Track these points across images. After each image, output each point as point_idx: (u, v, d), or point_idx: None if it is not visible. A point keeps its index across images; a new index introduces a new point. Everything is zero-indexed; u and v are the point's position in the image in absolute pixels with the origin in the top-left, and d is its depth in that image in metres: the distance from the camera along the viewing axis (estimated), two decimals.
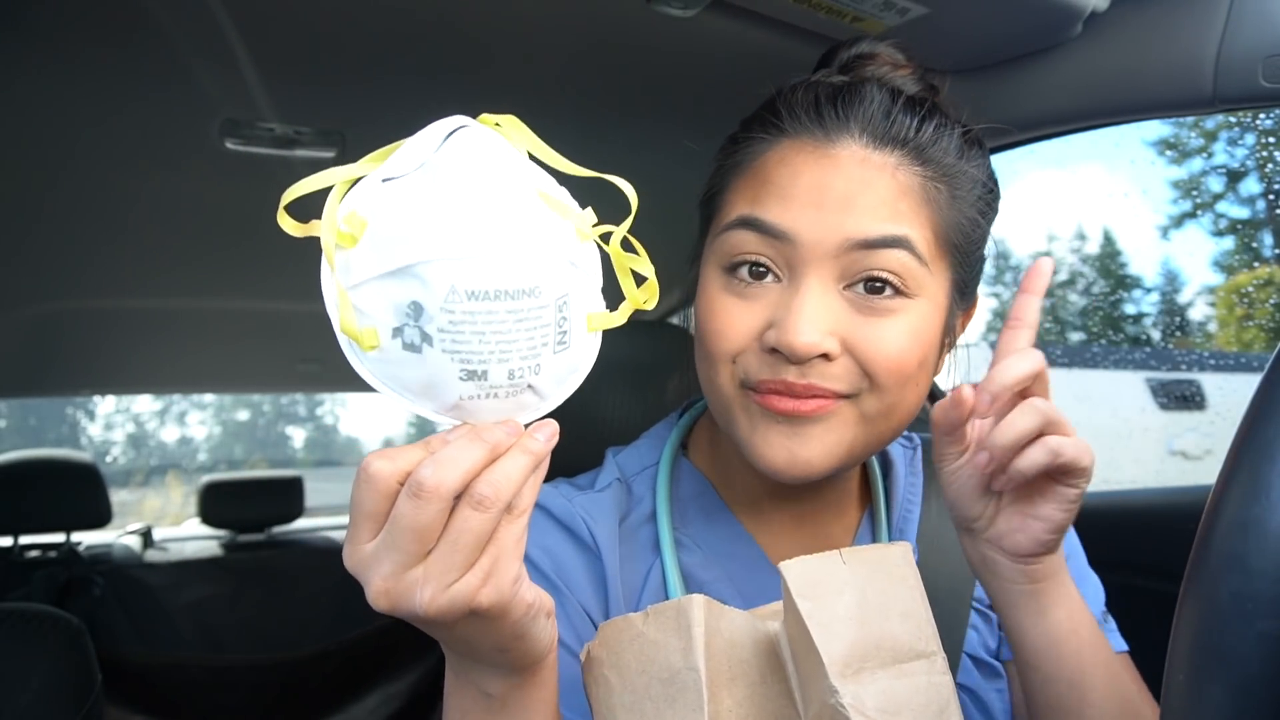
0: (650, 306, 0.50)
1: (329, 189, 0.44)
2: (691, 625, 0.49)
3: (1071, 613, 0.59)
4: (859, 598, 0.48)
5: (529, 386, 0.45)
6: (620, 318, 0.47)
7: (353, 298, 0.43)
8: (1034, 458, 0.53)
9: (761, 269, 0.60)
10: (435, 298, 0.42)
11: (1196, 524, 0.38)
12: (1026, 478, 0.54)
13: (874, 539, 0.74)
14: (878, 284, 0.59)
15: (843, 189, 0.58)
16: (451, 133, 0.45)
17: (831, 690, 0.45)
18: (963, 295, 0.66)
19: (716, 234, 0.64)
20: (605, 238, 0.49)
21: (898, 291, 0.59)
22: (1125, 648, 0.74)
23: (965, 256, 0.64)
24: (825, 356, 0.58)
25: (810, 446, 0.60)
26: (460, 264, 0.41)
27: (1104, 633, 0.66)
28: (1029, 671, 0.60)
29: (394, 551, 0.42)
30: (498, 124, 0.46)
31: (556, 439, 0.46)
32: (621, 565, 0.68)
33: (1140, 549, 1.15)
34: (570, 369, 0.47)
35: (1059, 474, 0.55)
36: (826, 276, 0.59)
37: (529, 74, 1.05)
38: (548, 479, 0.50)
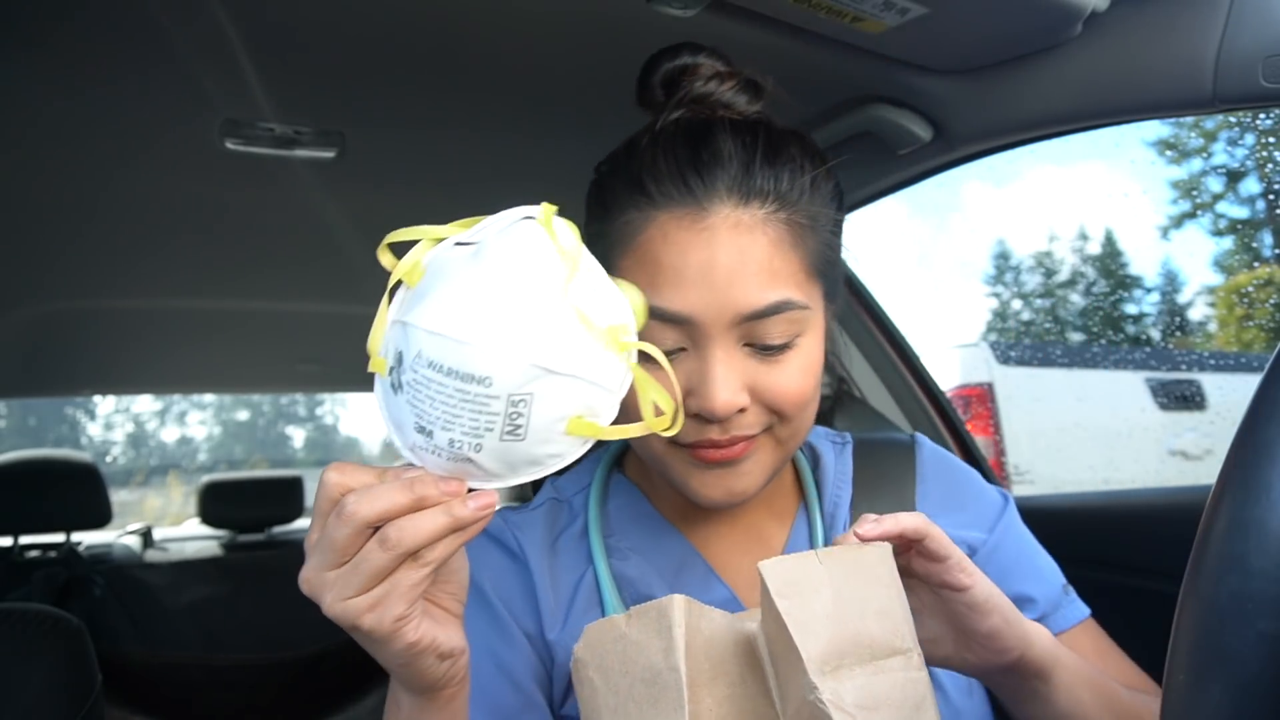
0: (671, 433, 0.53)
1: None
2: (672, 625, 0.49)
3: (1056, 668, 0.63)
4: (836, 596, 0.49)
5: (469, 459, 0.49)
6: (611, 433, 0.51)
7: (387, 329, 0.51)
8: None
9: (668, 351, 0.65)
10: (409, 356, 0.48)
11: (1196, 524, 0.38)
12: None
13: (809, 532, 0.77)
14: (769, 350, 0.65)
15: (725, 263, 0.63)
16: (519, 220, 0.51)
17: (811, 687, 0.45)
18: (833, 301, 0.73)
19: None
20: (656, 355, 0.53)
21: (790, 340, 0.66)
22: (1087, 613, 0.79)
23: (830, 269, 0.70)
24: (740, 410, 0.65)
25: (743, 480, 0.68)
26: (429, 335, 0.47)
27: (1066, 604, 0.76)
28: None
29: (319, 553, 0.49)
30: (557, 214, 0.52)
31: (489, 511, 0.49)
32: (555, 575, 0.74)
33: (1140, 549, 1.15)
34: (526, 459, 0.50)
35: (927, 577, 0.58)
36: (728, 343, 0.64)
37: (529, 74, 1.05)
38: None
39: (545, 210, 0.51)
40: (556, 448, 0.50)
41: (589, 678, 0.53)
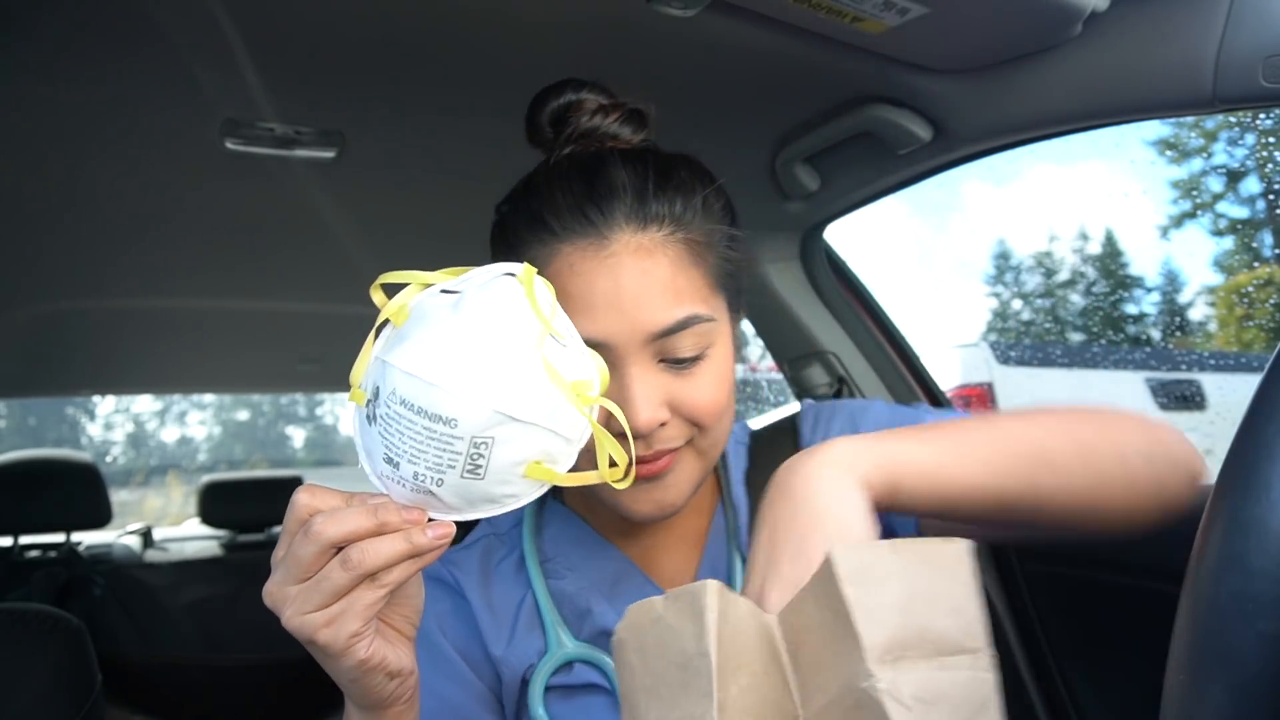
0: (624, 485, 0.57)
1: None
2: (705, 611, 0.49)
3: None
4: (907, 588, 0.48)
5: (430, 492, 0.53)
6: (567, 479, 0.55)
7: (370, 365, 0.55)
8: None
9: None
10: (385, 391, 0.52)
11: (1196, 524, 0.38)
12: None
13: (725, 523, 0.81)
14: (682, 363, 0.69)
15: (631, 287, 0.66)
16: (500, 276, 0.56)
17: (867, 674, 0.45)
18: (736, 311, 0.76)
19: None
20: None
21: (701, 353, 0.69)
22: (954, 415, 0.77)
23: (732, 281, 0.74)
24: (662, 424, 0.68)
25: (670, 492, 0.71)
26: (404, 375, 0.51)
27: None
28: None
29: (283, 568, 0.53)
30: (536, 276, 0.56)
31: (446, 541, 0.53)
32: (492, 602, 0.79)
33: (1140, 549, 1.15)
34: (484, 497, 0.54)
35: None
36: (642, 361, 0.67)
37: (527, 73, 1.05)
38: None
39: (526, 270, 0.56)
40: (514, 489, 0.54)
41: (628, 659, 0.53)
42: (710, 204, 0.72)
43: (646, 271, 0.67)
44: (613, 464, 0.56)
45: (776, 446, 0.83)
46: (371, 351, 0.55)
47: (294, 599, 0.53)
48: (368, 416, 0.54)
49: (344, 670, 0.55)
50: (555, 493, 0.85)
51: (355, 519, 0.52)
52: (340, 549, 0.52)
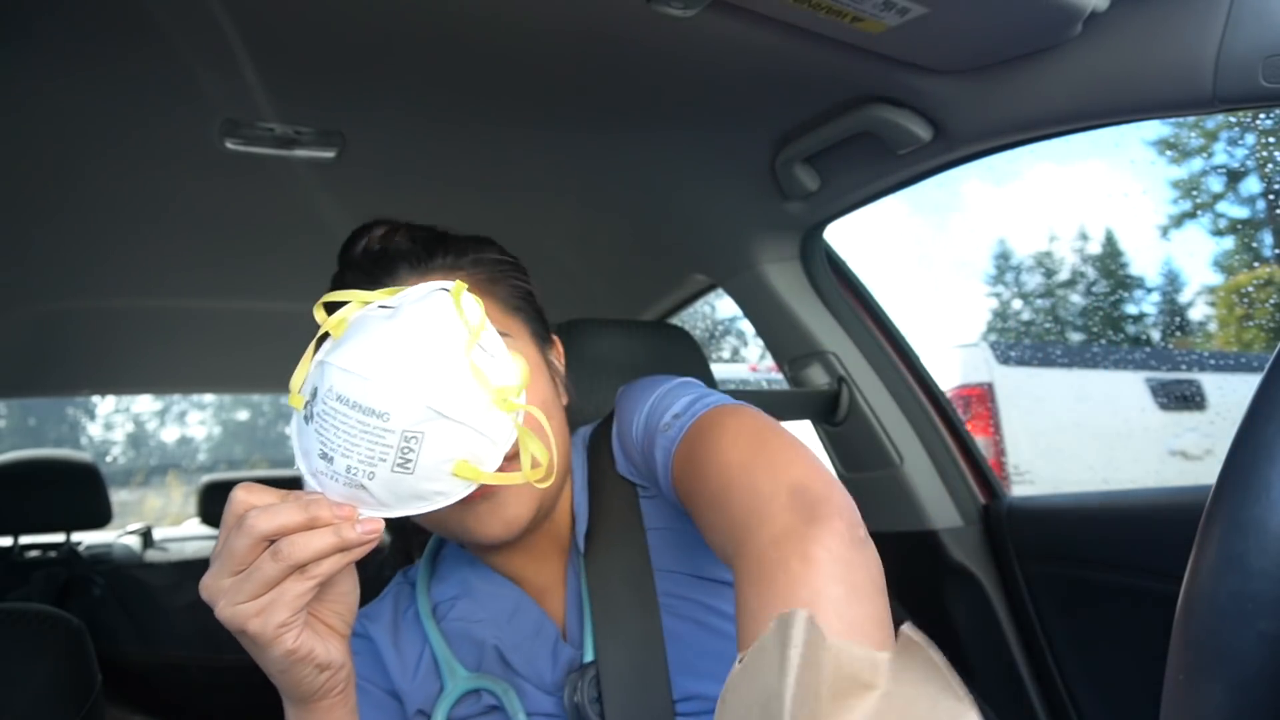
0: (544, 485, 0.61)
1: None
2: (789, 646, 0.44)
3: None
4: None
5: (362, 486, 0.55)
6: (493, 478, 0.58)
7: (310, 369, 0.59)
8: None
9: None
10: (323, 390, 0.56)
11: (1196, 524, 0.38)
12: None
13: (577, 529, 0.82)
14: None
15: None
16: (433, 292, 0.60)
17: None
18: (540, 339, 0.82)
19: None
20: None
21: None
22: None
23: (527, 305, 0.82)
24: None
25: (510, 509, 0.72)
26: (340, 372, 0.55)
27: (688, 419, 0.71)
28: None
29: (219, 561, 0.56)
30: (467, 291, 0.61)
31: (375, 536, 0.56)
32: (400, 648, 0.83)
33: (1140, 549, 1.15)
34: (413, 493, 0.57)
35: None
36: None
37: (528, 73, 1.05)
38: None
39: (457, 286, 0.60)
40: (442, 486, 0.57)
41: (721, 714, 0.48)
42: (485, 252, 0.81)
43: None
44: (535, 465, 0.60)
45: (601, 440, 0.86)
46: (311, 360, 0.59)
47: (227, 591, 0.56)
48: (305, 417, 0.57)
49: (272, 660, 0.58)
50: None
51: (287, 513, 0.55)
52: (273, 543, 0.55)
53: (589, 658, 0.75)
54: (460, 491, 0.58)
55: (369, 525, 0.56)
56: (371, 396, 0.54)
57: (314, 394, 0.57)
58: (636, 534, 0.80)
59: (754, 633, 0.48)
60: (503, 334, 0.73)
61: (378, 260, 0.79)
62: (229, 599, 0.56)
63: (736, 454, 0.62)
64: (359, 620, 0.85)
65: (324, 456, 0.55)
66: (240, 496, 0.57)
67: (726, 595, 0.80)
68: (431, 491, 0.57)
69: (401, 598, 0.88)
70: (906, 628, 0.46)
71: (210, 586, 0.57)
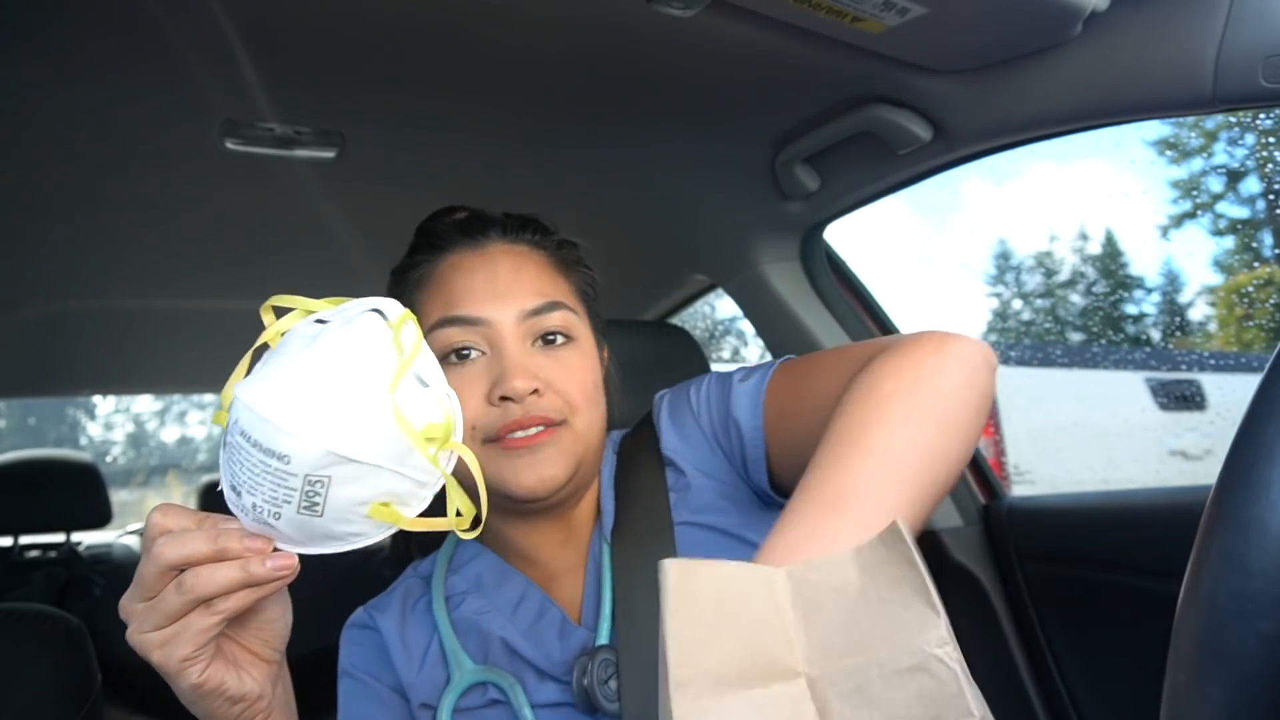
0: (471, 536, 0.59)
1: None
2: (667, 591, 0.46)
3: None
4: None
5: (269, 524, 0.53)
6: (414, 524, 0.55)
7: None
8: None
9: (466, 351, 0.77)
10: (232, 420, 0.53)
11: (1196, 524, 0.38)
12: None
13: (603, 519, 0.84)
14: (551, 336, 0.79)
15: (505, 275, 0.79)
16: (366, 312, 0.57)
17: (941, 640, 0.43)
18: (598, 333, 0.87)
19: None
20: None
21: (566, 337, 0.79)
22: (769, 374, 0.79)
23: (590, 302, 0.87)
24: (536, 392, 0.75)
25: (549, 466, 0.76)
26: (245, 408, 0.51)
27: (757, 385, 0.78)
28: None
29: (134, 584, 0.55)
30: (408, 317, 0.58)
31: (287, 573, 0.54)
32: (406, 641, 0.84)
33: (1140, 549, 1.15)
34: (325, 533, 0.54)
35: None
36: (518, 339, 0.77)
37: (528, 73, 1.05)
38: None
39: (393, 307, 0.57)
40: (357, 528, 0.54)
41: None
42: (567, 246, 0.87)
43: (517, 267, 0.80)
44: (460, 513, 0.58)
45: (640, 444, 0.88)
46: (240, 378, 0.56)
47: (137, 616, 0.55)
48: (225, 442, 0.54)
49: (181, 691, 0.58)
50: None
51: (194, 543, 0.53)
52: (182, 571, 0.53)
53: (602, 641, 0.76)
54: (380, 532, 0.55)
55: (280, 561, 0.54)
56: (272, 438, 0.50)
57: (233, 422, 0.53)
58: (665, 525, 0.81)
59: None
60: (569, 306, 0.80)
61: (472, 221, 0.84)
62: (137, 625, 0.55)
63: (831, 359, 0.73)
64: (367, 612, 0.88)
65: (233, 489, 0.53)
66: (155, 520, 0.56)
67: None
68: (346, 533, 0.54)
69: (411, 591, 0.88)
70: (894, 524, 0.48)
71: (125, 608, 0.56)
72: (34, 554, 2.32)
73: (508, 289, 0.78)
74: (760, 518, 0.80)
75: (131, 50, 0.94)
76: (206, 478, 2.69)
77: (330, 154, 1.20)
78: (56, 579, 2.21)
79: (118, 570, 2.35)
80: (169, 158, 1.22)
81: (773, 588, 0.48)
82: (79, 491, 2.30)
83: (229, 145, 1.15)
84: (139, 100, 1.05)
